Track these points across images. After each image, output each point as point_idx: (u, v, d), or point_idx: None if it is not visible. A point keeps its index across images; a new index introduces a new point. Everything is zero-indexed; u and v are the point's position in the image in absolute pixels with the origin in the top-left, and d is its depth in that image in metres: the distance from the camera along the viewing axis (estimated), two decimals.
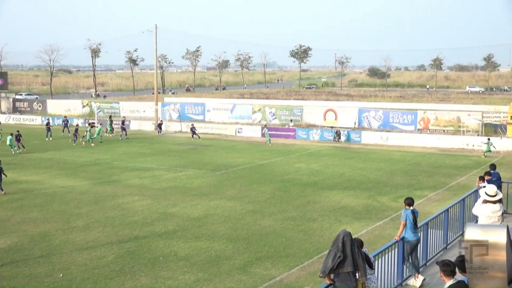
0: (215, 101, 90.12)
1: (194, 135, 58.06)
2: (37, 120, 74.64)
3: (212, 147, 52.47)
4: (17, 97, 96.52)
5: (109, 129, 61.49)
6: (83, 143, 53.32)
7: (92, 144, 52.82)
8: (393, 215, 27.16)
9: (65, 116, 65.98)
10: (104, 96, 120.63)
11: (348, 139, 55.82)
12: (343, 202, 29.92)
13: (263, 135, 57.53)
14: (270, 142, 53.53)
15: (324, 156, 46.55)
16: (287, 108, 68.42)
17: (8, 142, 47.60)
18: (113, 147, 51.69)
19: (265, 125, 57.81)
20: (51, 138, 57.24)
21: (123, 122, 61.09)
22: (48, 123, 59.21)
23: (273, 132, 58.43)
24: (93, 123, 61.31)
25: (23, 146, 48.96)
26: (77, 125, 60.81)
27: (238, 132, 62.04)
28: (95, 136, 54.27)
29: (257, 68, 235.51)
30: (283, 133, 59.22)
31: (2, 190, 31.81)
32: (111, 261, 20.68)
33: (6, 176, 32.52)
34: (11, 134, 48.33)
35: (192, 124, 60.98)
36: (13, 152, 46.91)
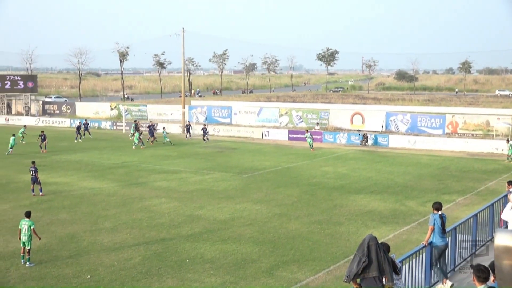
0: (242, 104, 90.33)
1: (204, 136, 58.20)
2: (66, 123, 75.48)
3: (238, 150, 52.56)
4: (47, 99, 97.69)
5: (132, 132, 60.68)
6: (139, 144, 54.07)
7: (142, 146, 53.62)
8: (421, 219, 26.93)
9: (85, 120, 66.49)
10: (132, 99, 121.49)
11: (375, 142, 55.48)
12: (370, 206, 29.75)
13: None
14: (312, 147, 52.15)
15: (351, 160, 46.34)
16: (314, 112, 68.26)
17: (11, 142, 49.13)
18: (140, 150, 52.05)
19: (307, 130, 56.25)
20: (80, 140, 58.01)
21: (152, 127, 59.63)
22: (79, 127, 60.01)
23: (300, 136, 58.32)
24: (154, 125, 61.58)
25: (45, 147, 50.38)
26: (136, 122, 61.27)
27: (265, 135, 62.06)
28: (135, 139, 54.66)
29: (284, 71, 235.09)
30: None
31: (40, 191, 32.30)
32: (138, 263, 20.82)
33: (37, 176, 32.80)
34: (14, 135, 50.00)
35: (204, 125, 60.87)
36: (9, 151, 48.75)
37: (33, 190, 32.39)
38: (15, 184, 35.73)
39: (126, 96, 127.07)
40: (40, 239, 21.57)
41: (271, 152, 51.17)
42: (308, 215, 27.80)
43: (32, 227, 20.96)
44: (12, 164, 43.58)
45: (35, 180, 32.37)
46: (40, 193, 32.22)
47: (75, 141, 57.86)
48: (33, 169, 32.37)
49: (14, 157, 46.92)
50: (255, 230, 25.08)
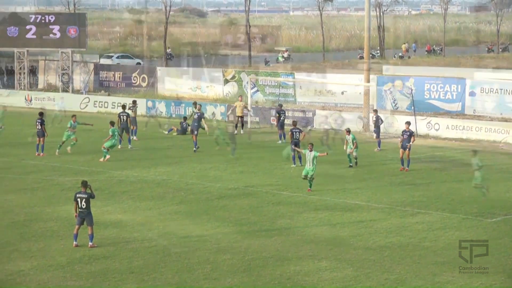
0: (487, 75, 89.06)
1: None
2: (140, 107, 75.70)
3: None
4: (103, 61, 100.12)
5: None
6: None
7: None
8: None
9: (124, 105, 65.45)
10: (267, 63, 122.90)
11: None
12: None
13: None
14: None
15: None
16: None
17: None
18: (279, 162, 52.49)
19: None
20: (129, 146, 58.47)
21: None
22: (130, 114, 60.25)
23: None
24: None
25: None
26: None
27: None
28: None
29: None
30: None
31: (90, 239, 32.55)
32: None
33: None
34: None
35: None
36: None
37: (75, 238, 32.90)
38: (41, 223, 37.02)
39: (285, 54, 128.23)
40: None
41: None
42: None
43: None
44: (38, 185, 45.37)
45: (86, 218, 32.60)
46: (90, 243, 32.94)
47: (120, 146, 56.81)
48: (84, 196, 32.52)
49: (41, 171, 48.70)
50: None
